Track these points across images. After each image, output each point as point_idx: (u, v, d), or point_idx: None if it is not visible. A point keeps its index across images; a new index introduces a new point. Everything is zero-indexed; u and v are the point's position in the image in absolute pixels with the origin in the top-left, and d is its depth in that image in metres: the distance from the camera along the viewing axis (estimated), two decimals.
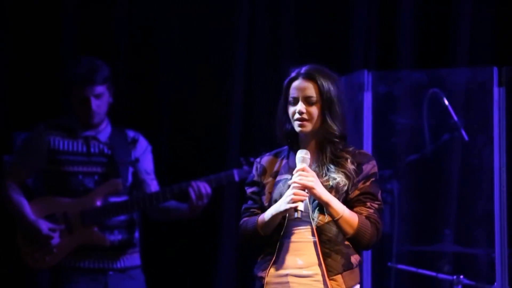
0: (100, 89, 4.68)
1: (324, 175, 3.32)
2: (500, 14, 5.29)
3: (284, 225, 3.33)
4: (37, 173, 4.76)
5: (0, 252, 4.91)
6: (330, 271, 3.29)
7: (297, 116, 3.32)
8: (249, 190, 3.49)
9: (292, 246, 3.35)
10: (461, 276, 4.74)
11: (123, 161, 4.75)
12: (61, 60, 5.48)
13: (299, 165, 3.27)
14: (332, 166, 3.32)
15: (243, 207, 3.50)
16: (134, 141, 4.84)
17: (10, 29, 5.48)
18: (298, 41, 5.50)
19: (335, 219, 3.24)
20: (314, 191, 3.22)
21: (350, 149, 3.36)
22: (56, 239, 4.67)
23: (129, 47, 5.59)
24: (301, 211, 3.22)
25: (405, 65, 5.37)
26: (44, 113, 5.21)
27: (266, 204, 3.39)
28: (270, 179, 3.38)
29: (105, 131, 4.78)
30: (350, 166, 3.31)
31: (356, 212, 3.28)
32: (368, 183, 3.31)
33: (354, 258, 3.33)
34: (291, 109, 3.33)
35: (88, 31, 5.51)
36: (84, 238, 4.70)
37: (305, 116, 3.30)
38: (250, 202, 3.48)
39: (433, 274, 4.87)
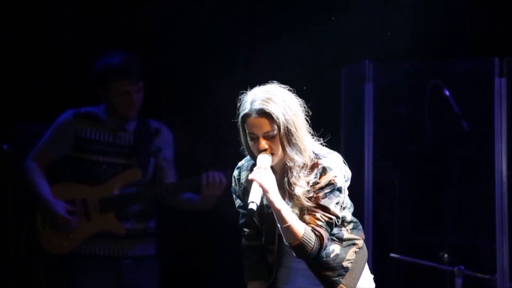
0: (141, 84, 4.76)
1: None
2: (502, 4, 5.28)
3: (275, 251, 3.37)
4: (61, 159, 4.81)
5: (20, 238, 4.92)
6: (330, 287, 3.33)
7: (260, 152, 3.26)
8: (236, 203, 3.47)
9: (286, 272, 3.40)
10: (462, 267, 4.75)
11: (146, 152, 4.82)
12: (62, 51, 5.48)
13: (260, 165, 3.21)
14: (288, 200, 3.26)
15: (239, 221, 3.48)
16: (157, 132, 4.91)
17: (12, 19, 5.47)
18: (299, 32, 5.49)
19: (281, 226, 3.19)
20: (268, 195, 3.17)
21: (313, 172, 3.26)
22: (74, 223, 4.71)
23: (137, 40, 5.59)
24: (256, 204, 3.15)
25: (407, 56, 5.36)
26: (45, 104, 5.22)
27: (259, 225, 3.39)
28: None
29: (132, 121, 4.83)
30: (302, 195, 3.23)
31: (306, 220, 3.23)
32: (320, 194, 3.24)
33: (347, 261, 3.34)
34: (253, 145, 3.26)
35: (94, 23, 5.51)
36: (101, 225, 4.76)
37: (269, 151, 3.23)
38: (242, 217, 3.47)
39: (434, 264, 4.88)
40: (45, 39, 5.48)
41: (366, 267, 3.44)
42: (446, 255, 4.93)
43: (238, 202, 3.45)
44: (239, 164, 3.44)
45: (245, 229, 3.46)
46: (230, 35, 5.56)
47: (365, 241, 3.45)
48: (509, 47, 5.09)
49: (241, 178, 3.40)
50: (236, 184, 3.44)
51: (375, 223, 4.91)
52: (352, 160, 4.86)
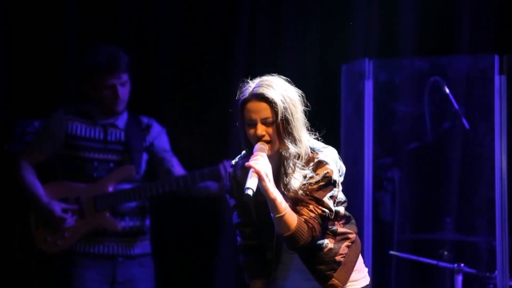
0: (125, 76, 4.75)
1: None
2: (502, 2, 5.28)
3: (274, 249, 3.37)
4: (53, 157, 4.80)
5: (13, 237, 4.92)
6: (323, 281, 3.34)
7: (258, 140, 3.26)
8: (231, 202, 3.46)
9: (285, 268, 3.40)
10: (462, 264, 4.74)
11: (138, 148, 4.81)
12: (62, 48, 5.47)
13: (257, 152, 3.21)
14: (283, 191, 3.26)
15: (233, 221, 3.48)
16: (148, 127, 4.90)
17: (12, 17, 5.47)
18: (299, 29, 5.49)
19: (275, 216, 3.20)
20: (264, 183, 3.17)
21: (309, 166, 3.27)
22: (68, 222, 4.70)
23: (131, 33, 5.58)
24: (252, 190, 3.14)
25: (407, 53, 5.36)
26: (46, 101, 5.22)
27: (256, 220, 3.39)
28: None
29: (122, 117, 4.84)
30: (298, 188, 3.24)
31: (299, 212, 3.24)
32: (314, 186, 3.25)
33: (339, 255, 3.35)
34: (250, 131, 3.27)
35: (90, 19, 5.50)
36: (95, 223, 4.75)
37: (266, 138, 3.25)
38: (237, 216, 3.47)
39: (434, 262, 4.87)
40: (46, 35, 5.48)
41: (360, 260, 3.44)
42: (446, 253, 4.93)
43: (232, 201, 3.44)
44: (233, 162, 3.44)
45: (242, 229, 3.46)
46: (230, 31, 5.55)
47: (365, 238, 3.45)
48: (509, 44, 5.09)
49: (237, 176, 3.38)
50: (231, 184, 3.42)
51: (375, 220, 4.92)
52: (352, 157, 4.90)
